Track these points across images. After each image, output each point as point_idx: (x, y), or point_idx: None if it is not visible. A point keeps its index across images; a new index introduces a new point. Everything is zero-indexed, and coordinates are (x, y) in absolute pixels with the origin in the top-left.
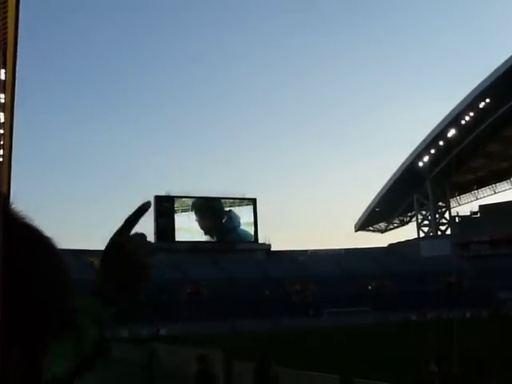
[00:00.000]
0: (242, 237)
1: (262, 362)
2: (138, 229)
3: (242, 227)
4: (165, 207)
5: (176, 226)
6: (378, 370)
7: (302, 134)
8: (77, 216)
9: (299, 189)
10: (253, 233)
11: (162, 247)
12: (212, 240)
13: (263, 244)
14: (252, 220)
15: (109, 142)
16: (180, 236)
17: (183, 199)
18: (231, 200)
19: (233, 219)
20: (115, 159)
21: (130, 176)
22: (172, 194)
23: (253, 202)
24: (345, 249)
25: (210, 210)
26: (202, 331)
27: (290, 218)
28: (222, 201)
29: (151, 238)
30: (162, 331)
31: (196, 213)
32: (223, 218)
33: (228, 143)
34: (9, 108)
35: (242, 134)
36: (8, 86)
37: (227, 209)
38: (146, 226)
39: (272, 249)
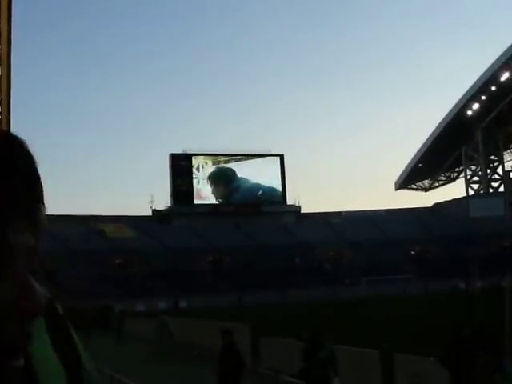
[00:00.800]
0: (268, 197)
1: (313, 341)
2: (153, 189)
3: (268, 186)
4: (181, 167)
5: (195, 188)
6: (419, 344)
7: (332, 80)
8: (82, 177)
9: (330, 143)
10: (280, 193)
11: (179, 211)
12: (235, 202)
13: (292, 206)
14: (279, 179)
15: (115, 93)
16: (199, 199)
17: (202, 157)
18: (255, 157)
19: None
20: (123, 113)
21: (142, 133)
22: (189, 151)
23: (280, 158)
24: (384, 210)
25: (224, 178)
26: (226, 303)
27: (322, 177)
28: (244, 160)
29: (167, 200)
30: (182, 304)
31: (212, 184)
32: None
33: (249, 94)
34: (5, 61)
35: (264, 82)
36: (3, 37)
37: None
38: (162, 187)
39: (302, 211)
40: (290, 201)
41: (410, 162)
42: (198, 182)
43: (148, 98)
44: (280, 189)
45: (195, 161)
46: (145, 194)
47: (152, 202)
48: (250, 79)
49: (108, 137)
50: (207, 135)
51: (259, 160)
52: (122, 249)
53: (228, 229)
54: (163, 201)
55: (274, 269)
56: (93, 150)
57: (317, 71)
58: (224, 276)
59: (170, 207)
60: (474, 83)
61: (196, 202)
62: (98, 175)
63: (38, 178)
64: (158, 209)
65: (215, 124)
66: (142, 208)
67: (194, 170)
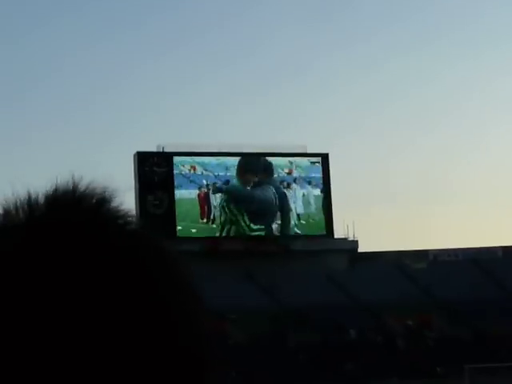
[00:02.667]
0: (302, 226)
1: None
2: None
3: (301, 207)
4: (155, 174)
5: (177, 210)
6: None
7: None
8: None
9: (403, 139)
10: (323, 219)
11: None
12: (245, 235)
13: (343, 241)
14: (321, 195)
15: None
16: (185, 228)
17: (189, 158)
18: (280, 157)
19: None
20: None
21: (89, 120)
22: (168, 149)
23: (322, 160)
24: (501, 247)
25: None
26: None
27: (390, 193)
28: (269, 160)
29: None
30: None
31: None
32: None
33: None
34: None
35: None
36: None
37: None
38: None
39: (360, 249)
40: (339, 232)
41: None
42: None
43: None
44: (322, 212)
45: (179, 163)
46: None
47: None
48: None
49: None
50: (195, 125)
51: (286, 161)
52: None
53: (234, 280)
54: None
55: (314, 346)
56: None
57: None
58: (229, 359)
59: None
60: None
61: (181, 233)
62: None
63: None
64: None
65: (208, 110)
66: None
67: (176, 178)
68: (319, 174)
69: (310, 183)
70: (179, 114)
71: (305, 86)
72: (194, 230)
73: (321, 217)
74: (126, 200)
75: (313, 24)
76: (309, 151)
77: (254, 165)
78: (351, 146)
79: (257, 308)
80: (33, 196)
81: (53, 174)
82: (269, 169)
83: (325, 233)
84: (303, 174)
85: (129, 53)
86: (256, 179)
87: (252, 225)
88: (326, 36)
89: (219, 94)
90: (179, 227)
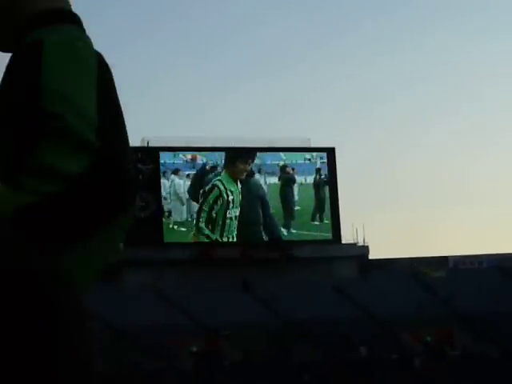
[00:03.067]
0: (306, 230)
1: None
2: None
3: (304, 208)
4: (139, 173)
5: (166, 213)
6: None
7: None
8: None
9: (415, 132)
10: (329, 222)
11: (134, 258)
12: (244, 242)
13: (352, 247)
14: (327, 195)
15: None
16: (174, 236)
17: (179, 154)
18: (279, 152)
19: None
20: None
21: None
22: (154, 143)
23: (328, 155)
24: None
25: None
26: None
27: (403, 192)
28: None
29: None
30: None
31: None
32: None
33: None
34: None
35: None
36: None
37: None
38: None
39: (371, 256)
40: (347, 237)
41: None
42: (171, 201)
43: None
44: (329, 214)
45: (166, 159)
46: None
47: None
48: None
49: None
50: (184, 117)
51: (285, 157)
52: None
53: (229, 292)
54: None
55: (319, 367)
56: None
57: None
58: (220, 381)
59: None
60: None
61: (168, 239)
62: None
63: None
64: None
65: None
66: None
67: (163, 178)
68: (324, 171)
69: (313, 181)
70: (168, 104)
71: (304, 74)
72: (183, 236)
73: (326, 219)
74: None
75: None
76: (313, 145)
77: (246, 159)
78: (359, 140)
79: (255, 322)
80: None
81: None
82: (265, 165)
83: (331, 237)
84: (306, 171)
85: (109, 37)
86: (244, 176)
87: (243, 229)
88: (330, 21)
89: (211, 82)
90: (167, 232)
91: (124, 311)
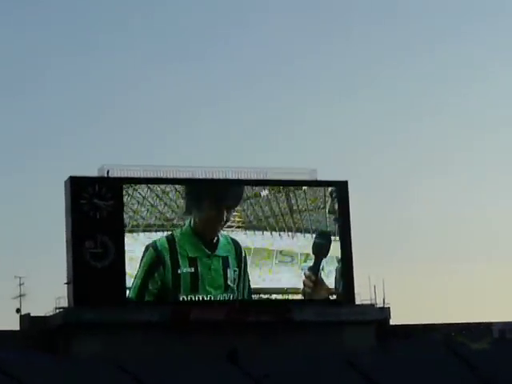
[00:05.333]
0: (311, 288)
1: None
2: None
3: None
4: (96, 210)
5: (129, 262)
6: None
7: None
8: None
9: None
10: (340, 278)
11: (91, 320)
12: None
13: (369, 308)
14: (338, 245)
15: None
16: (138, 289)
17: (146, 187)
18: (276, 187)
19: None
20: None
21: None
22: (116, 173)
23: (338, 191)
24: None
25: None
26: None
27: (427, 239)
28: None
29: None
30: None
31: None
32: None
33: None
34: None
35: None
36: None
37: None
38: (46, 261)
39: (393, 322)
40: (362, 296)
41: None
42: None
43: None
44: (338, 268)
45: (132, 194)
46: (8, 275)
47: (23, 295)
48: None
49: None
50: (151, 142)
51: (285, 192)
52: None
53: (210, 365)
54: (50, 295)
55: None
56: None
57: None
58: None
59: (65, 310)
60: None
61: (133, 295)
62: None
63: None
64: (35, 314)
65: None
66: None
67: (127, 220)
68: (334, 212)
69: (320, 225)
70: (131, 128)
71: (303, 90)
72: (151, 292)
73: (336, 274)
74: (53, 249)
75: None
76: (319, 178)
77: (233, 196)
78: (373, 171)
79: None
80: None
81: None
82: (259, 204)
83: (342, 297)
84: (312, 212)
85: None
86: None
87: (230, 282)
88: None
89: (183, 99)
90: (130, 288)
91: None
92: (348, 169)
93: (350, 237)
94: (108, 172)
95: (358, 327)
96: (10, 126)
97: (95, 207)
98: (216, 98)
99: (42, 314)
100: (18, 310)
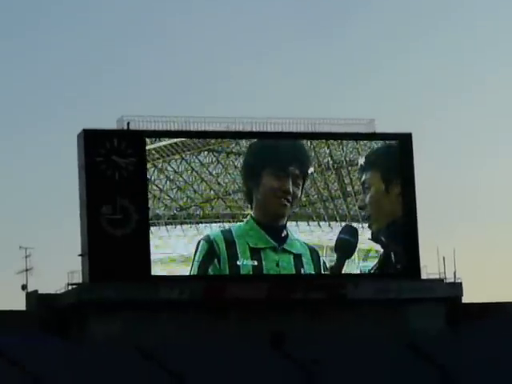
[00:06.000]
0: (370, 261)
1: None
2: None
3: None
4: (114, 169)
5: (153, 229)
6: None
7: None
8: None
9: None
10: (403, 250)
11: (107, 299)
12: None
13: (437, 284)
14: (400, 207)
15: None
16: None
17: (176, 141)
18: (328, 139)
19: None
20: None
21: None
22: (136, 125)
23: (401, 145)
24: None
25: None
26: None
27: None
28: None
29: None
30: None
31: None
32: None
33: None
34: None
35: None
36: None
37: None
38: (59, 229)
39: (466, 299)
40: (429, 269)
41: None
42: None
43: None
44: (400, 237)
45: (155, 150)
46: (12, 246)
47: (29, 270)
48: None
49: None
50: (179, 90)
51: (341, 146)
52: None
53: (250, 347)
54: (61, 269)
55: None
56: None
57: None
58: None
59: (79, 286)
60: None
61: (155, 271)
62: None
63: None
64: (43, 292)
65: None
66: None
67: (150, 174)
68: (394, 170)
69: (382, 184)
70: (154, 73)
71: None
72: (181, 266)
73: (398, 244)
74: (65, 215)
75: None
76: (378, 130)
77: (284, 155)
78: (439, 124)
79: None
80: None
81: None
82: (308, 161)
83: (406, 270)
84: (369, 169)
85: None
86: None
87: (275, 256)
88: None
89: (218, 45)
90: (156, 261)
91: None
92: (411, 120)
93: (414, 195)
94: (128, 124)
95: (424, 306)
96: (17, 73)
97: (113, 165)
98: (254, 46)
99: (52, 292)
100: (24, 287)
